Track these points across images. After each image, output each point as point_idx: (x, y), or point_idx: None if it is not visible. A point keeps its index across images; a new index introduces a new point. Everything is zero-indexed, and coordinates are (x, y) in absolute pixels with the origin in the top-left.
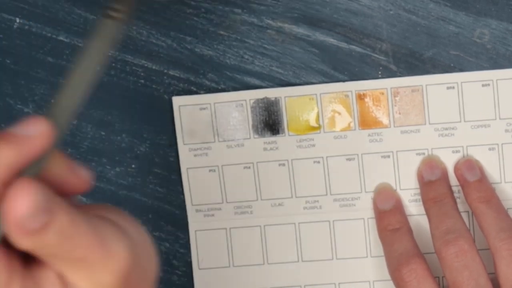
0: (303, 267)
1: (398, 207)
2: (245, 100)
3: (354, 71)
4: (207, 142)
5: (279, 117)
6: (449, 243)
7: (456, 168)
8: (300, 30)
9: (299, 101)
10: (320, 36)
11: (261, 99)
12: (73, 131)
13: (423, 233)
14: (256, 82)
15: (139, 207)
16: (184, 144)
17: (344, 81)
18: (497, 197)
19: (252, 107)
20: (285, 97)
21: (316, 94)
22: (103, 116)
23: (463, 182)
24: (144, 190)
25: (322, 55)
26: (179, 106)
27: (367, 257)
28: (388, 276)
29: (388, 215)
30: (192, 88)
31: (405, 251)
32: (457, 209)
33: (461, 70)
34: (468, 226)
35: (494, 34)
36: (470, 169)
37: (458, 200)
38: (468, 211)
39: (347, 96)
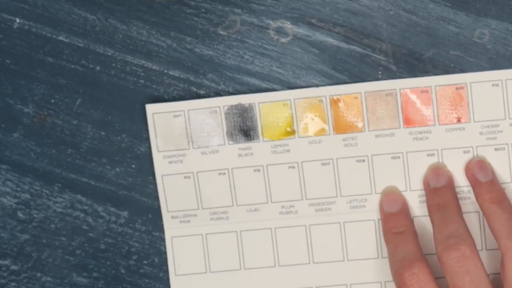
0: (280, 272)
1: (404, 210)
2: (219, 107)
3: (354, 71)
4: (181, 149)
5: (253, 123)
6: (451, 248)
7: (468, 169)
8: (300, 30)
9: (273, 107)
10: (320, 36)
11: (235, 105)
12: (73, 131)
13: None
14: (256, 82)
15: (139, 207)
16: (159, 151)
17: (344, 81)
18: (508, 199)
19: (226, 114)
20: (259, 103)
21: (290, 100)
22: (103, 116)
23: (474, 183)
24: (144, 190)
25: (322, 55)
26: (153, 113)
27: (343, 260)
28: (386, 278)
29: (394, 218)
30: (192, 88)
31: (408, 254)
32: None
33: (461, 70)
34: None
35: (494, 34)
36: (482, 169)
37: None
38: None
39: (321, 101)
